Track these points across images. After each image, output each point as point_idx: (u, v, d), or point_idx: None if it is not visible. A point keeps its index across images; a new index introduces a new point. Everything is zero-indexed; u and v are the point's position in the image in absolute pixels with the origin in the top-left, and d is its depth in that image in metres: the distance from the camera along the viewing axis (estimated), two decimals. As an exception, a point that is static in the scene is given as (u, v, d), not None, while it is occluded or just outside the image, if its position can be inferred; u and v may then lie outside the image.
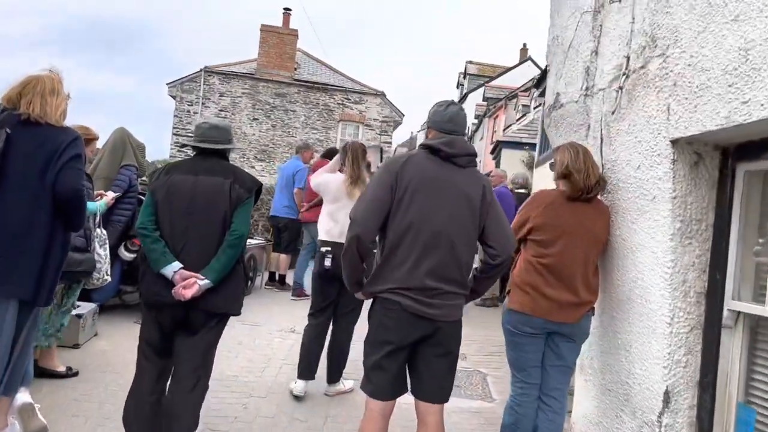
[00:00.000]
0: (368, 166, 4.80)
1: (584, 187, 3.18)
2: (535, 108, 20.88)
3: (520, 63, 40.10)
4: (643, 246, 2.89)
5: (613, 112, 3.26)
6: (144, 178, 6.16)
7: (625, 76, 3.14)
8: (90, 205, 4.07)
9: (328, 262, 4.30)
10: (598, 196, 3.28)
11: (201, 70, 23.42)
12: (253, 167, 23.74)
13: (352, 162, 4.40)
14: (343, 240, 4.22)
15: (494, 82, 33.03)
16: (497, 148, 14.51)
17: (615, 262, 3.18)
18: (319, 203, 8.12)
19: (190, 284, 3.00)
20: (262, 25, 23.66)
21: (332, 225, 4.36)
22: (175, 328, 3.07)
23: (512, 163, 14.07)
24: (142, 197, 5.84)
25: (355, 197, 4.21)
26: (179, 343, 3.06)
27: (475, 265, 2.84)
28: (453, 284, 2.63)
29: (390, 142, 24.01)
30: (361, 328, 3.59)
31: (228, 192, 3.08)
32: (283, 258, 8.52)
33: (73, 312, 4.56)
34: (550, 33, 4.32)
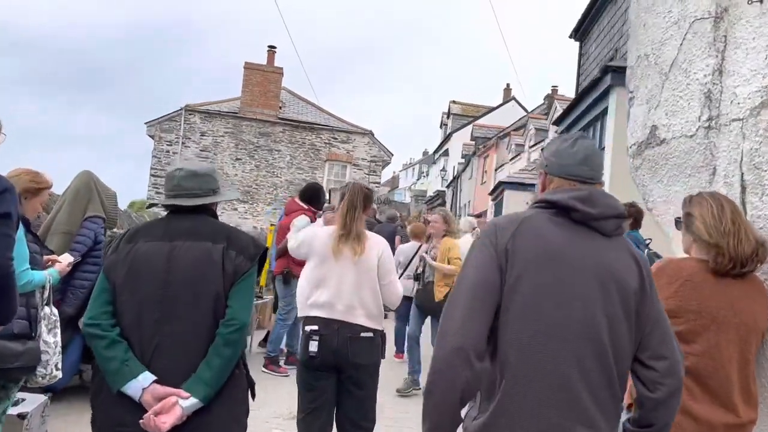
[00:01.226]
0: (374, 215, 3.78)
1: (736, 257, 2.22)
2: (530, 147, 20.28)
3: (504, 103, 40.00)
4: None
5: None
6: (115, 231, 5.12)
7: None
8: (36, 276, 3.04)
9: (314, 347, 3.18)
10: (755, 271, 2.32)
11: (181, 109, 22.52)
12: (236, 209, 22.71)
13: (348, 209, 3.31)
14: (334, 315, 3.17)
15: (481, 121, 32.61)
16: (499, 190, 13.68)
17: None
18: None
19: (168, 407, 2.00)
20: (246, 63, 22.94)
21: (318, 293, 3.28)
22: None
23: (517, 206, 13.26)
24: (111, 255, 4.82)
25: (344, 259, 3.23)
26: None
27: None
28: None
29: (379, 183, 23.18)
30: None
31: (221, 262, 2.12)
32: None
33: (13, 410, 3.47)
34: (634, 52, 3.43)
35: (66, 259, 3.51)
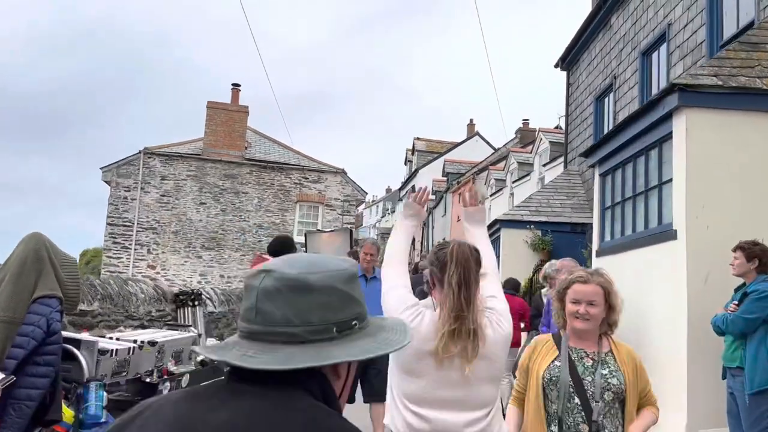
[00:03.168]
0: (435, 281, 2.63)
1: None
2: (513, 182, 19.47)
3: (468, 138, 39.63)
4: None
5: None
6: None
7: None
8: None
9: None
10: None
11: (140, 152, 21.04)
12: (200, 257, 21.16)
13: (460, 286, 2.15)
14: None
15: (452, 157, 31.91)
16: (494, 228, 12.65)
17: None
18: None
19: None
20: (209, 102, 21.68)
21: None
22: None
23: (513, 244, 12.25)
24: (70, 348, 3.51)
25: (454, 367, 2.12)
26: None
27: None
28: None
29: (353, 223, 21.99)
30: None
31: None
32: None
33: None
34: None
35: None
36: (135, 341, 3.96)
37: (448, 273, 2.15)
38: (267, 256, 5.56)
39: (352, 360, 1.04)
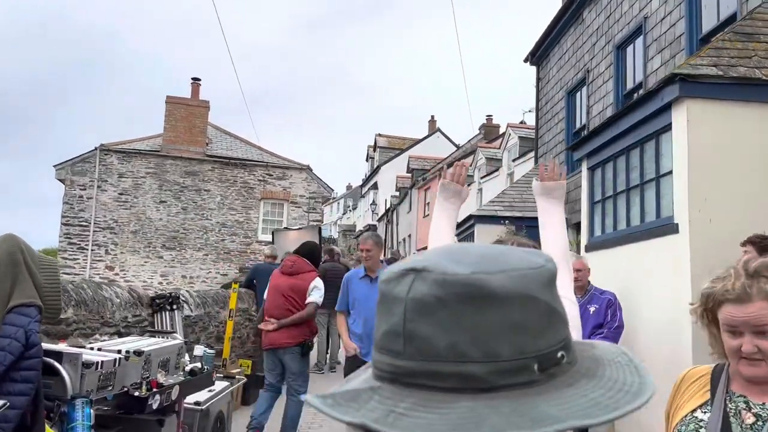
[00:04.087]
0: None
1: None
2: (482, 178, 19.42)
3: (430, 135, 39.63)
4: None
5: None
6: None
7: None
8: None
9: None
10: None
11: (96, 149, 20.23)
12: (161, 257, 20.50)
13: None
14: None
15: (415, 153, 31.81)
16: (468, 224, 12.53)
17: None
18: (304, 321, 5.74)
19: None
20: (168, 97, 21.00)
21: None
22: None
23: (487, 240, 12.12)
24: (51, 362, 3.15)
25: None
26: None
27: None
28: None
29: (320, 220, 21.64)
30: None
31: None
32: None
33: None
34: None
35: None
36: (120, 351, 3.61)
37: None
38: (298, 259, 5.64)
39: (579, 425, 0.60)
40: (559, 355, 0.65)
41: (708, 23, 7.81)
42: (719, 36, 5.80)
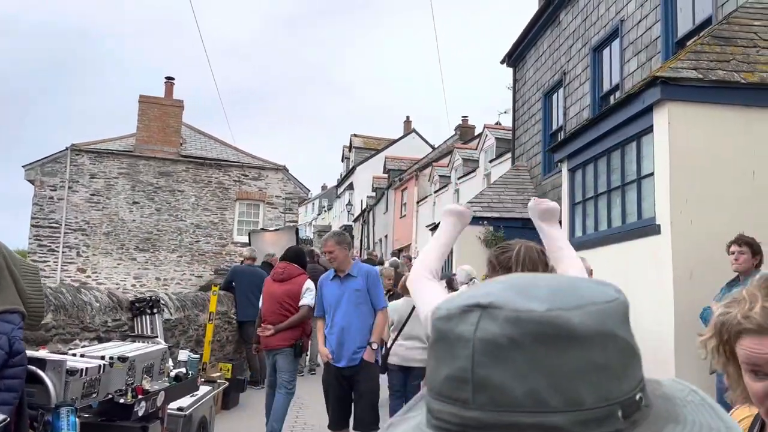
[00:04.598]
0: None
1: None
2: (459, 179, 19.50)
3: (405, 135, 39.71)
4: None
5: None
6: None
7: None
8: None
9: None
10: None
11: (67, 149, 19.83)
12: (134, 259, 20.18)
13: None
14: None
15: (391, 153, 31.82)
16: (446, 224, 12.56)
17: None
18: (300, 322, 5.76)
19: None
20: (141, 96, 20.68)
21: None
22: None
23: (467, 240, 12.18)
24: (34, 370, 3.06)
25: None
26: None
27: None
28: None
29: (296, 221, 21.51)
30: None
31: None
32: None
33: None
34: None
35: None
36: (103, 357, 3.53)
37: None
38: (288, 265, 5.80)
39: None
40: (638, 397, 0.59)
41: (684, 27, 7.95)
42: (697, 40, 5.90)
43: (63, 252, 19.52)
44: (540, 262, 1.97)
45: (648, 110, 5.18)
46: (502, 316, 0.55)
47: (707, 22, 7.23)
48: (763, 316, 1.11)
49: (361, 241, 34.08)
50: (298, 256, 6.12)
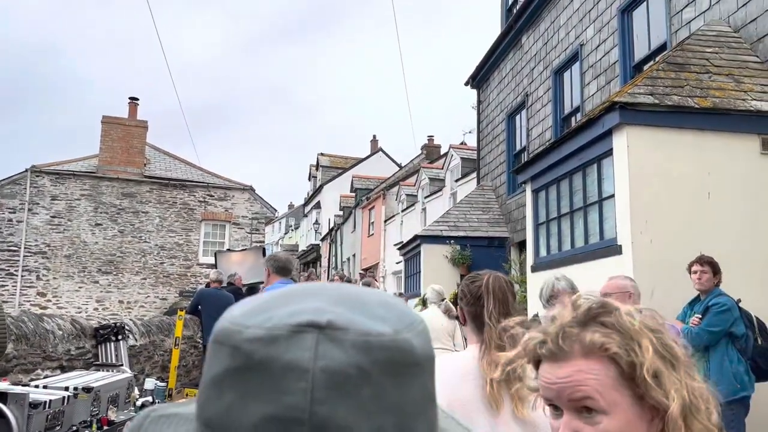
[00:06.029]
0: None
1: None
2: (425, 197, 19.65)
3: (372, 154, 39.89)
4: None
5: None
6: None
7: None
8: None
9: None
10: None
11: (26, 170, 19.41)
12: (96, 282, 19.76)
13: (499, 321, 1.88)
14: None
15: (358, 172, 31.91)
16: (414, 244, 12.65)
17: None
18: None
19: None
20: (104, 117, 20.42)
21: None
22: None
23: (434, 259, 12.28)
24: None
25: (502, 412, 1.80)
26: None
27: None
28: None
29: (263, 241, 21.35)
30: None
31: None
32: None
33: None
34: None
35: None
36: (67, 388, 3.46)
37: (486, 308, 1.94)
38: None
39: None
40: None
41: (640, 51, 8.22)
42: (653, 66, 6.12)
43: (22, 276, 19.02)
44: (509, 292, 2.01)
45: (608, 134, 5.34)
46: (348, 340, 0.45)
47: (662, 47, 7.50)
48: (554, 342, 0.87)
49: (329, 260, 33.94)
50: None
